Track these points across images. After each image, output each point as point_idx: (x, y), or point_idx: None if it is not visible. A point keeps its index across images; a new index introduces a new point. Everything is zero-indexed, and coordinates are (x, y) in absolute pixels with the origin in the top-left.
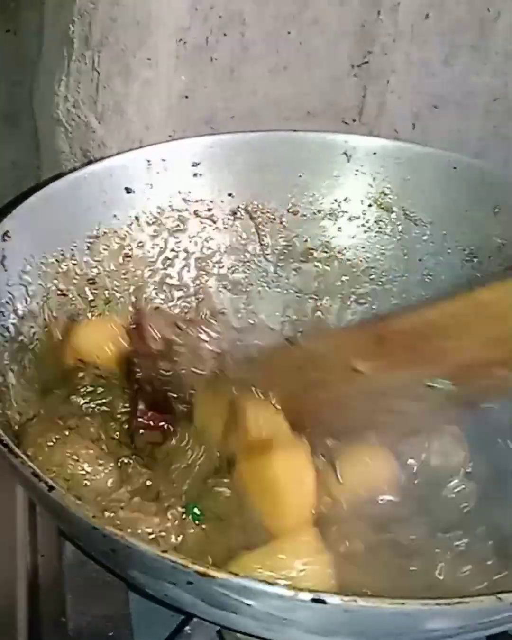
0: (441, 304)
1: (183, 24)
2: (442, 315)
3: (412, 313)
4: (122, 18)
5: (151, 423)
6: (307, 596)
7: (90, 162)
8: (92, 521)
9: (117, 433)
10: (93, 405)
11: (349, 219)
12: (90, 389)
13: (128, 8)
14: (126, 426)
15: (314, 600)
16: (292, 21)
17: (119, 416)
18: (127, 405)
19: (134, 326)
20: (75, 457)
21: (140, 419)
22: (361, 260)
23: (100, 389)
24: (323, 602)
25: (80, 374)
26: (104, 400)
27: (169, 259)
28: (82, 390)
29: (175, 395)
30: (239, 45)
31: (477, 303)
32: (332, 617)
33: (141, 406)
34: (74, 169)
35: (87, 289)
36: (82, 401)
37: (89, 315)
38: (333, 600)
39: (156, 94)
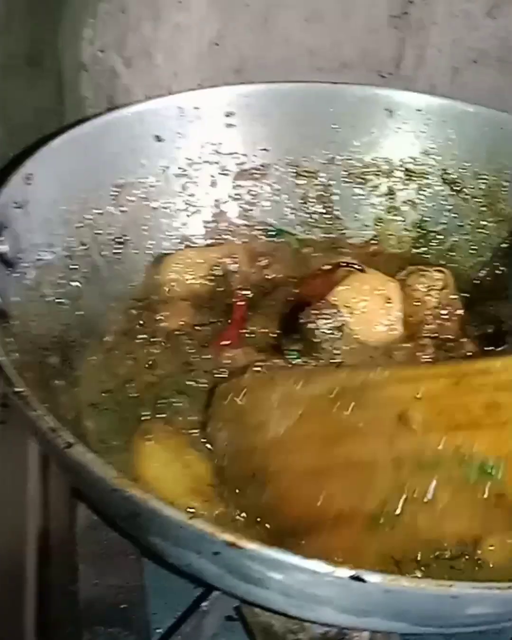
0: None
1: None
2: None
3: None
4: None
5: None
6: (345, 573)
7: (116, 108)
8: (114, 482)
9: None
10: None
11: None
12: None
13: None
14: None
15: (352, 577)
16: None
17: None
18: None
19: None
20: None
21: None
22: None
23: None
24: (362, 580)
25: None
26: None
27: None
28: None
29: None
30: None
31: None
32: (370, 597)
33: None
34: (99, 115)
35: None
36: None
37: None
38: (373, 578)
39: (187, 39)
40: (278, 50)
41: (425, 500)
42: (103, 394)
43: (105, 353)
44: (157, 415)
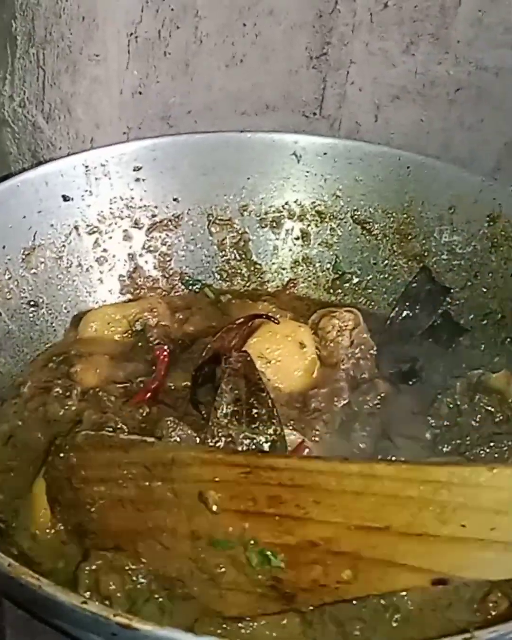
0: (341, 461)
1: (133, 17)
2: (334, 473)
3: (303, 458)
4: (67, 13)
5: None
6: None
7: (37, 164)
8: (7, 570)
9: None
10: None
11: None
12: None
13: (73, 2)
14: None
15: None
16: (247, 12)
17: None
18: None
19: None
20: None
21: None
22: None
23: None
24: None
25: None
26: None
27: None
28: None
29: None
30: (193, 39)
31: (382, 476)
32: None
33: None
34: (8, 176)
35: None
36: None
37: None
38: None
39: (106, 91)
40: (201, 95)
41: (213, 574)
42: (14, 461)
43: (17, 416)
44: None
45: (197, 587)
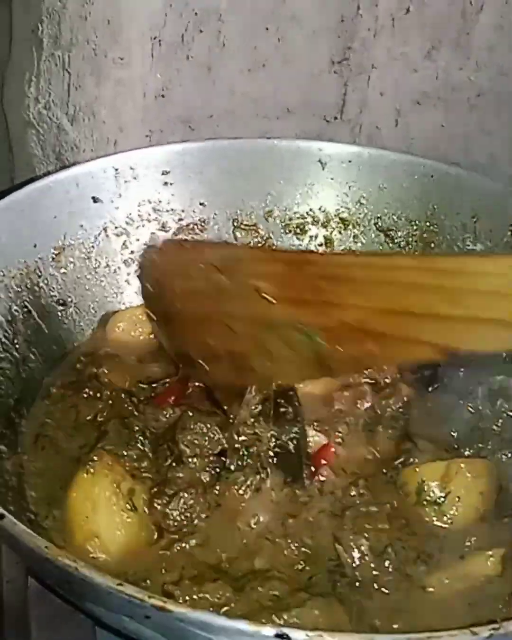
0: (375, 254)
1: (157, 21)
2: (363, 265)
3: (337, 254)
4: (92, 17)
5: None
6: (270, 631)
7: (61, 168)
8: (45, 551)
9: None
10: None
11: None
12: None
13: (98, 6)
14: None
15: (277, 636)
16: (270, 17)
17: None
18: None
19: None
20: None
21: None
22: None
23: None
24: (287, 637)
25: None
26: None
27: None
28: None
29: None
30: (216, 43)
31: (402, 266)
32: None
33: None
34: (34, 179)
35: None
36: None
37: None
38: (297, 635)
39: (130, 94)
40: (223, 99)
41: (269, 350)
42: (45, 461)
43: (47, 415)
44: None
45: (257, 361)
